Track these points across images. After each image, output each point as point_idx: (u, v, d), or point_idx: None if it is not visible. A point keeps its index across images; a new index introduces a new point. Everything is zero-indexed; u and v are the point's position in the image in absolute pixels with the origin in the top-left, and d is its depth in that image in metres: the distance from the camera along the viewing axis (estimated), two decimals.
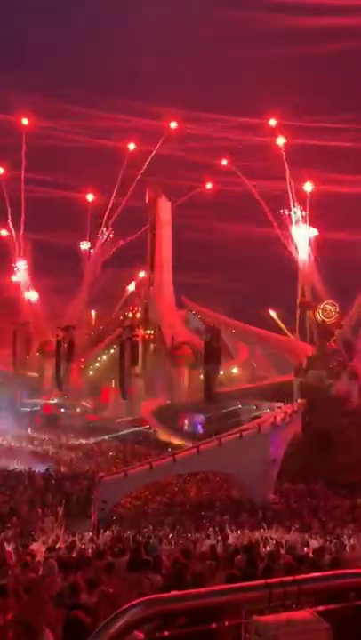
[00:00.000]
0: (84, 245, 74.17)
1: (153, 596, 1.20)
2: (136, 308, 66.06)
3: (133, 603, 1.31)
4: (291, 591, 1.33)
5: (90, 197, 73.22)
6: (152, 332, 64.34)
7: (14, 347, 68.59)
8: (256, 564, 8.98)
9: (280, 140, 64.20)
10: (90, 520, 26.08)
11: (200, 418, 51.79)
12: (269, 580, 1.33)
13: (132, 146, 71.14)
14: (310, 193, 63.29)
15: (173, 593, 1.22)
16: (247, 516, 26.73)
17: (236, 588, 1.26)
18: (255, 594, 1.27)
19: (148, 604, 1.26)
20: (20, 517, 24.50)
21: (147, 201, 69.03)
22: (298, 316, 61.19)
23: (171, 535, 19.49)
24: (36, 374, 68.94)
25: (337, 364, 46.36)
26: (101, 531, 21.78)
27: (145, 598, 1.27)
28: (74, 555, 13.60)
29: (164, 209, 68.34)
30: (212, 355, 53.46)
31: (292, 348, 56.47)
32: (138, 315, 65.52)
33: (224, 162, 69.72)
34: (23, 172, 72.58)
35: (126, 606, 1.29)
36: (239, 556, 9.63)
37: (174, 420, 53.04)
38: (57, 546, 16.20)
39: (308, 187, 62.93)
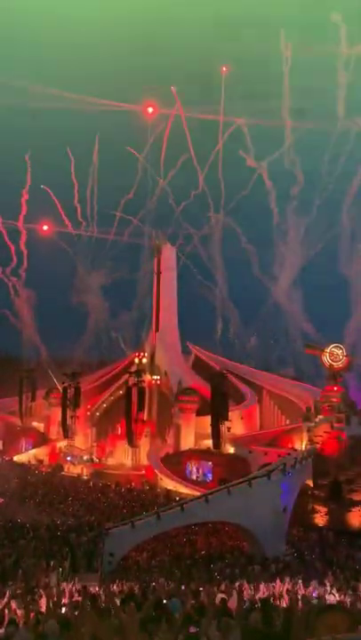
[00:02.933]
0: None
1: None
2: (142, 354, 65.91)
3: None
4: None
5: None
6: (158, 377, 64.00)
7: (20, 395, 68.36)
8: (273, 621, 8.60)
9: None
10: (96, 574, 25.20)
11: (208, 465, 50.81)
12: None
13: None
14: None
15: None
16: (259, 569, 25.81)
17: None
18: None
19: None
20: (25, 571, 23.72)
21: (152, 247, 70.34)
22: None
23: (183, 587, 18.78)
24: (41, 423, 68.37)
25: (346, 409, 45.70)
26: (110, 585, 21.01)
27: None
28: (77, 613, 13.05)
29: (169, 255, 69.33)
30: (219, 400, 52.89)
31: (301, 392, 55.89)
32: (144, 360, 65.31)
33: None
34: None
35: None
36: (255, 613, 9.24)
37: (181, 467, 52.05)
38: (62, 602, 15.57)
39: None
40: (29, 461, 62.61)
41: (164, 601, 12.06)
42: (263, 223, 72.03)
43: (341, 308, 63.08)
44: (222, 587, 18.63)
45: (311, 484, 39.11)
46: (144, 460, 57.42)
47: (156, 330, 67.72)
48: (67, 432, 62.38)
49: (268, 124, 71.75)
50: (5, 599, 15.61)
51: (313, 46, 70.41)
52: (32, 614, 11.44)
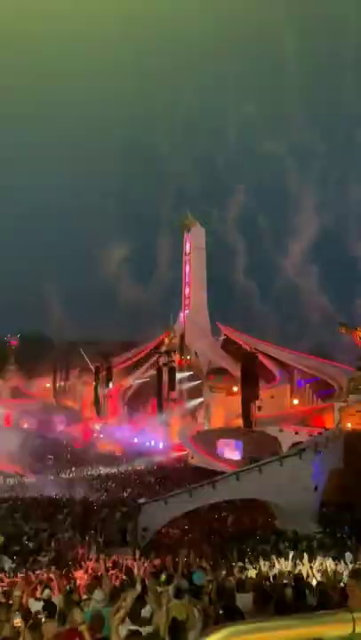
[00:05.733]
0: None
1: (238, 622, 1.18)
2: (172, 334, 66.22)
3: (215, 628, 1.29)
4: None
5: None
6: (188, 357, 64.29)
7: (54, 374, 69.74)
8: (305, 596, 8.70)
9: None
10: (130, 548, 25.78)
11: (239, 444, 51.04)
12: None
13: None
14: None
15: (260, 620, 1.20)
16: (290, 546, 25.99)
17: (322, 615, 1.23)
18: (340, 624, 1.24)
19: (232, 631, 1.25)
20: (60, 545, 24.47)
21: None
22: None
23: (211, 563, 19.09)
24: (75, 402, 69.72)
25: None
26: (143, 559, 21.50)
27: (227, 624, 1.25)
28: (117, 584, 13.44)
29: (198, 235, 69.00)
30: (250, 380, 52.85)
31: (332, 371, 55.39)
32: (174, 340, 65.64)
33: None
34: None
35: (208, 630, 1.28)
36: (287, 588, 9.36)
37: (212, 445, 52.45)
38: (99, 574, 16.04)
39: None
40: (64, 439, 64.05)
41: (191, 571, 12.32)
42: (278, 200, 72.07)
43: (354, 284, 63.16)
44: (253, 562, 18.88)
45: (343, 463, 38.93)
46: (175, 439, 58.07)
47: (186, 310, 67.86)
48: (99, 410, 63.49)
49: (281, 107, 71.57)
50: (41, 570, 16.21)
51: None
52: (66, 584, 11.87)
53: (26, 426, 65.26)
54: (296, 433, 46.36)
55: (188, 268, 68.98)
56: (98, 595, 8.45)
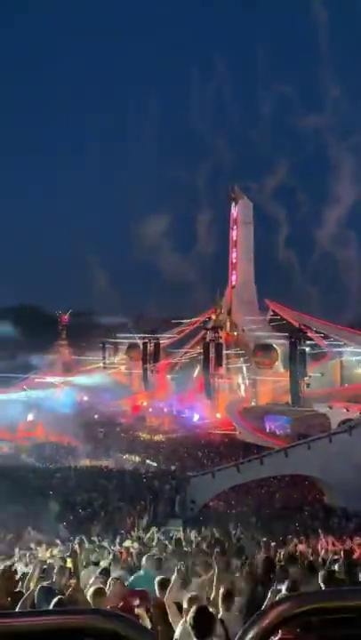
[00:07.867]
0: None
1: (294, 594, 1.20)
2: (219, 310, 66.07)
3: (281, 598, 1.31)
4: None
5: None
6: (235, 333, 64.13)
7: (103, 350, 71.16)
8: (355, 571, 8.71)
9: None
10: (179, 520, 26.31)
11: (286, 420, 50.87)
12: None
13: None
14: None
15: (329, 589, 1.20)
16: (339, 523, 25.90)
17: None
18: None
19: (299, 599, 1.26)
20: (112, 514, 25.24)
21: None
22: None
23: (263, 538, 19.28)
24: (123, 377, 71.03)
25: None
26: (192, 531, 21.93)
27: (295, 593, 1.27)
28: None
29: (246, 209, 68.02)
30: (298, 356, 52.25)
31: None
32: (221, 316, 65.50)
33: None
34: None
35: (275, 600, 1.29)
36: (336, 563, 9.38)
37: (260, 421, 52.49)
38: (152, 544, 16.48)
39: None
40: (113, 413, 65.55)
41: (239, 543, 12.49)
42: (318, 171, 70.69)
43: None
44: (301, 537, 18.94)
45: None
46: (222, 414, 58.40)
47: (233, 285, 67.43)
48: (147, 385, 64.49)
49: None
50: (93, 537, 16.81)
51: None
52: (123, 554, 12.28)
53: (76, 399, 67.07)
54: (347, 410, 45.74)
55: (234, 243, 68.29)
56: (150, 559, 8.70)
